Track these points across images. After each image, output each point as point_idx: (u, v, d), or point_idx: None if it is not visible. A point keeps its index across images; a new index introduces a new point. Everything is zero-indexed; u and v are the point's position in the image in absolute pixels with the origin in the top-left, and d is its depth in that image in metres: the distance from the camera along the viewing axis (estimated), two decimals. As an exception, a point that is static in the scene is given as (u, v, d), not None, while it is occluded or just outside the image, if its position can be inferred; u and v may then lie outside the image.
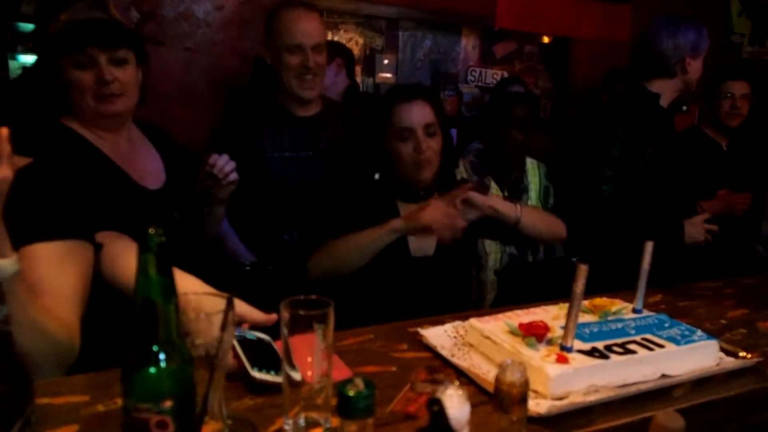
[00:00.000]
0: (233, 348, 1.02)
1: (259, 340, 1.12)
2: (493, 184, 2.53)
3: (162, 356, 0.70)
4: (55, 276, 1.06)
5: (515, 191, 2.54)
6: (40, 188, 1.12)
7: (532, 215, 1.79)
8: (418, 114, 1.67)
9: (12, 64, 3.58)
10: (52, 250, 1.07)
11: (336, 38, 3.48)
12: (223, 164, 1.55)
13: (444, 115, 1.78)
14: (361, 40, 3.53)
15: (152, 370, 0.70)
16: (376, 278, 1.68)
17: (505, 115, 2.54)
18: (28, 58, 3.53)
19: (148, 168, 1.52)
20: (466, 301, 2.03)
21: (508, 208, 1.72)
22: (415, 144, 1.66)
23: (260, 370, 1.02)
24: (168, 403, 0.70)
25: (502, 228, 1.75)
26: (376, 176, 1.79)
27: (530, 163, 2.66)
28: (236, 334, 1.07)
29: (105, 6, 1.37)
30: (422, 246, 1.73)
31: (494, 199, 1.76)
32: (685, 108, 2.90)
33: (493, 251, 2.49)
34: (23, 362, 0.70)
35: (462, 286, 1.96)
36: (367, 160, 1.80)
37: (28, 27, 3.48)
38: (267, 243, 1.96)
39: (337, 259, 1.66)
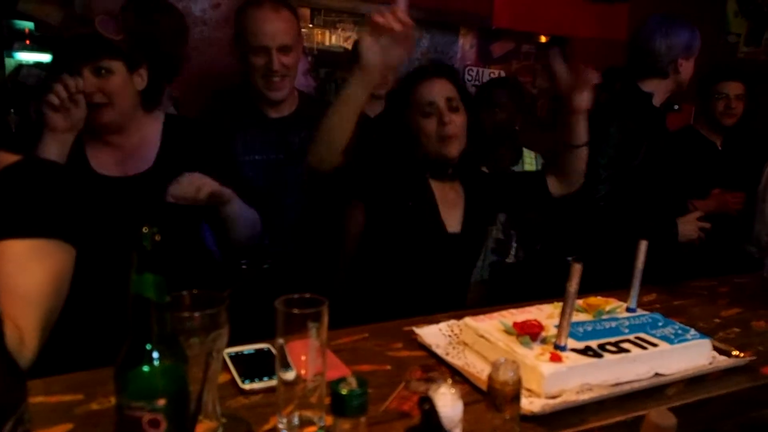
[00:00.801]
0: (224, 363, 1.05)
1: (258, 351, 1.17)
2: None
3: (155, 354, 0.71)
4: (18, 274, 1.03)
5: None
6: (20, 186, 1.12)
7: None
8: (439, 89, 1.67)
9: (8, 62, 3.56)
10: (20, 247, 1.05)
11: (333, 37, 3.48)
12: (181, 195, 1.45)
13: (467, 93, 1.77)
14: (358, 39, 3.53)
15: (145, 368, 0.70)
16: (415, 256, 1.68)
17: (484, 98, 2.59)
18: (25, 56, 3.52)
19: (134, 161, 1.55)
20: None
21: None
22: (438, 118, 1.65)
23: (252, 380, 1.05)
24: (161, 402, 0.70)
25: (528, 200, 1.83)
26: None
27: (527, 153, 2.66)
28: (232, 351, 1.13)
29: (91, 21, 1.43)
30: (453, 222, 1.73)
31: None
32: (676, 107, 2.91)
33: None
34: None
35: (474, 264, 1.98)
36: (391, 138, 1.75)
37: (25, 24, 3.47)
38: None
39: (328, 136, 1.51)
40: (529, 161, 2.65)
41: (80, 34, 1.44)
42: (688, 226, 2.07)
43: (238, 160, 1.88)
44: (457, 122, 1.66)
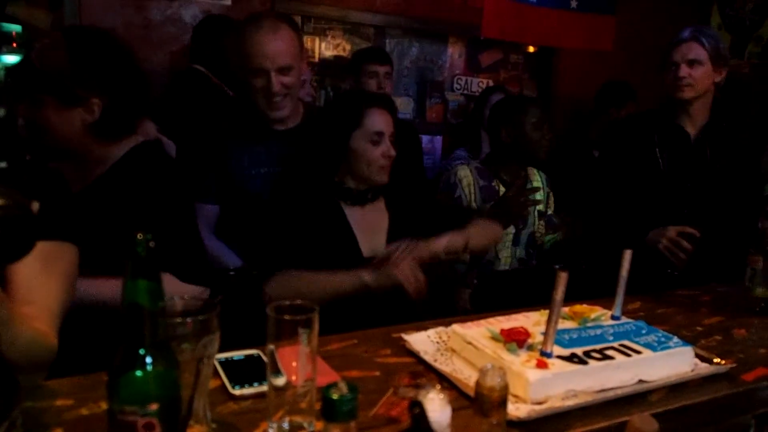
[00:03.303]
0: (215, 369, 1.06)
1: (247, 357, 1.17)
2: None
3: (148, 360, 0.71)
4: (35, 277, 1.07)
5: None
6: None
7: (479, 233, 1.85)
8: (386, 121, 1.75)
9: (-5, 64, 3.53)
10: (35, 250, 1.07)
11: (323, 45, 3.50)
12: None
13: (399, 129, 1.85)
14: (348, 47, 3.55)
15: (139, 373, 0.71)
16: None
17: (529, 117, 2.44)
18: (11, 59, 3.49)
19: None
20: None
21: (455, 242, 1.77)
22: (384, 148, 1.73)
23: (242, 386, 1.06)
24: (154, 406, 0.70)
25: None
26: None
27: (529, 167, 2.63)
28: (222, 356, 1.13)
29: (35, 54, 1.41)
30: (373, 246, 1.75)
31: (441, 242, 1.75)
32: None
33: (503, 256, 2.47)
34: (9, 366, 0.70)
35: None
36: (328, 158, 1.76)
37: (12, 27, 3.44)
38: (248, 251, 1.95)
39: (300, 296, 1.57)
40: (535, 176, 2.61)
41: (25, 61, 1.42)
42: (657, 236, 2.09)
43: (244, 172, 1.87)
44: (393, 156, 1.75)
